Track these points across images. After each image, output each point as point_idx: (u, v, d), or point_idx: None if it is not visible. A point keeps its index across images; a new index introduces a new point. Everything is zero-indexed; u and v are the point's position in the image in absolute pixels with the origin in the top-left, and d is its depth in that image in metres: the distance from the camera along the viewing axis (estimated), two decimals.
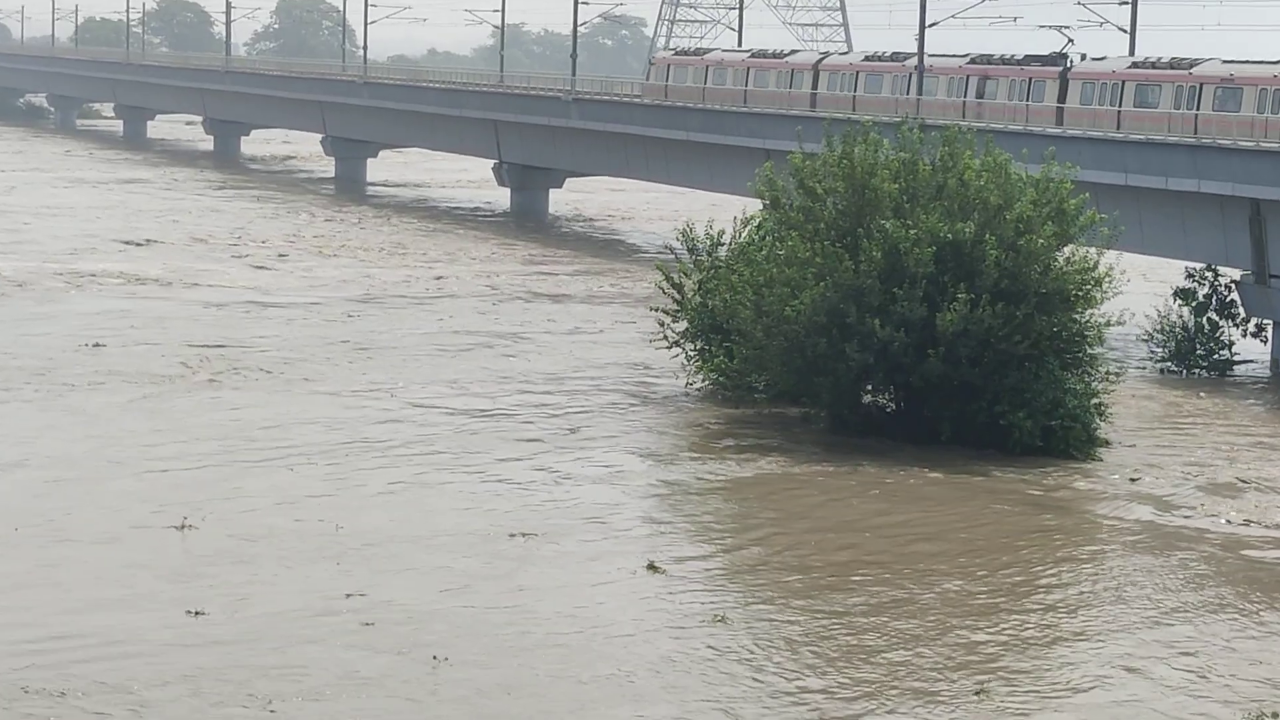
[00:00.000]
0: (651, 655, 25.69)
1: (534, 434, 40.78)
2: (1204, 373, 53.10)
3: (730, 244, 46.76)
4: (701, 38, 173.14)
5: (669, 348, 46.67)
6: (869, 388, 41.98)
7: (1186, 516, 35.48)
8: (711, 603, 28.39)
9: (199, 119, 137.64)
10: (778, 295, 40.77)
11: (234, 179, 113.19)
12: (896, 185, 41.45)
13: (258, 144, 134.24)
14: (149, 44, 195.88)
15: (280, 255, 73.85)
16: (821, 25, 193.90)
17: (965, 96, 69.63)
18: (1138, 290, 52.08)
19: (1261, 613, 29.03)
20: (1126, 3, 74.66)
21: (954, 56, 73.40)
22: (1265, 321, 55.04)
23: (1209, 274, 55.72)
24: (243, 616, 26.97)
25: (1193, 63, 61.11)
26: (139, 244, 75.93)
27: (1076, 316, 40.94)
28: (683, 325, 46.37)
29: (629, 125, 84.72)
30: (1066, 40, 72.95)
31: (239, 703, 23.25)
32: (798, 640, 26.74)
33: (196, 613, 26.86)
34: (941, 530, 33.81)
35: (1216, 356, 53.87)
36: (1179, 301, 55.23)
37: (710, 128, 78.63)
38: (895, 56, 76.95)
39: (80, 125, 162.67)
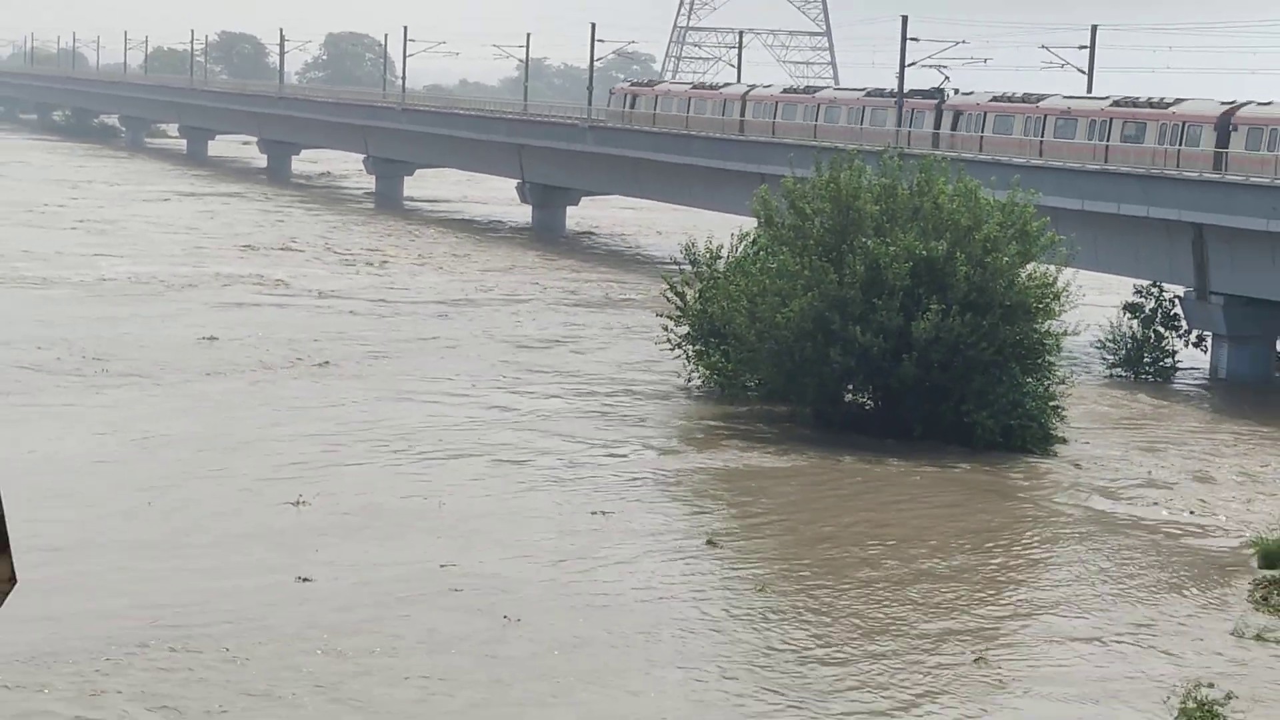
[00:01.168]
0: (694, 614, 26.06)
1: (565, 428, 40.79)
2: (1150, 378, 53.05)
3: (728, 257, 46.83)
4: (704, 73, 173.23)
5: (672, 349, 46.69)
6: (850, 388, 42.00)
7: (1132, 506, 35.48)
8: (733, 573, 28.50)
9: (254, 139, 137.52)
10: (770, 304, 40.84)
11: (288, 194, 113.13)
12: (878, 207, 41.51)
13: (306, 163, 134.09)
14: (210, 72, 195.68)
15: (346, 262, 73.93)
16: (812, 63, 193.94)
17: (861, 124, 74.10)
18: (1092, 304, 51.98)
19: (1198, 591, 29.04)
20: (1085, 47, 74.74)
21: (854, 90, 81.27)
22: (1205, 333, 55.06)
23: (1155, 290, 55.73)
24: (345, 582, 27.23)
25: (1040, 97, 65.54)
26: (238, 250, 76.15)
27: (1037, 326, 40.97)
28: (684, 329, 46.38)
29: (639, 150, 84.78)
30: (944, 78, 78.26)
31: (328, 656, 23.66)
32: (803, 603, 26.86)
33: (304, 579, 27.17)
34: (914, 515, 33.83)
35: (1162, 364, 53.85)
36: (1128, 314, 55.22)
37: (711, 154, 78.63)
38: (809, 89, 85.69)
39: (148, 143, 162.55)
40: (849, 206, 41.70)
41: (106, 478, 33.94)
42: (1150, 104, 59.95)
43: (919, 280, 40.00)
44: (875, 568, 29.63)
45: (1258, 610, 27.95)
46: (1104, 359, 53.59)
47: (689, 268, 47.50)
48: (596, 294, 67.29)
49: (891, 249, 40.04)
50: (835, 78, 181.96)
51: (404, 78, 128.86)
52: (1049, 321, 41.24)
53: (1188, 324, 55.18)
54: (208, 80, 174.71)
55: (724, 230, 52.99)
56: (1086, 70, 73.62)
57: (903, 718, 22.48)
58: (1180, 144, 57.02)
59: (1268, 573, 29.99)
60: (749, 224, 48.71)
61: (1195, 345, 55.41)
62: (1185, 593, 29.05)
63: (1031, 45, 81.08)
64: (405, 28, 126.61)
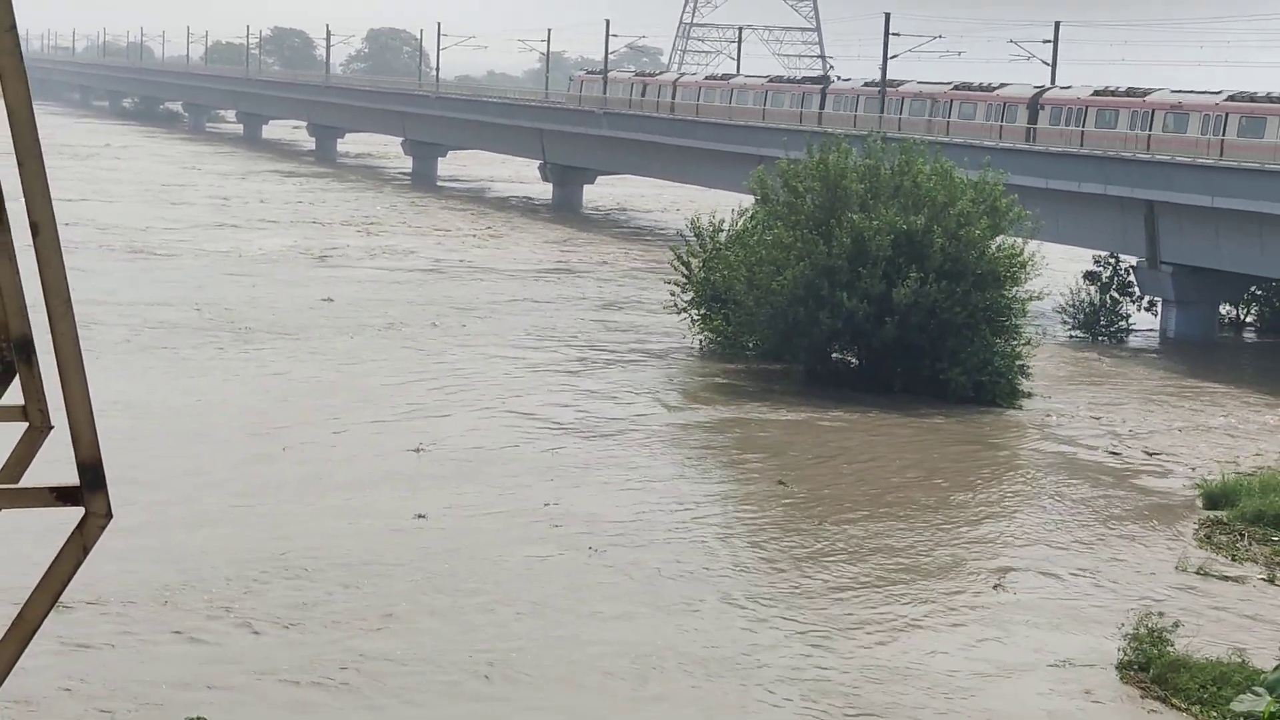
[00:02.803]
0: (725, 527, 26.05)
1: (588, 383, 40.99)
2: (1106, 339, 53.10)
3: (729, 231, 46.83)
4: (707, 65, 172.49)
5: (678, 313, 46.75)
6: (837, 348, 42.03)
7: (1090, 453, 35.54)
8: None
9: (303, 124, 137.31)
10: (766, 272, 40.88)
11: (338, 172, 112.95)
12: (862, 185, 41.48)
13: (350, 144, 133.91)
14: (264, 63, 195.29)
15: (419, 233, 73.98)
16: (804, 56, 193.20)
17: (765, 104, 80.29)
18: (1054, 273, 51.97)
19: (1149, 529, 29.10)
20: (1049, 41, 74.53)
21: (760, 77, 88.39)
22: (1156, 298, 55.11)
23: (1111, 260, 55.78)
24: (455, 520, 27.41)
25: (900, 83, 73.24)
26: (319, 223, 76.50)
27: (1005, 293, 40.97)
28: (690, 295, 46.42)
29: (649, 134, 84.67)
30: (830, 66, 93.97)
31: (435, 583, 23.93)
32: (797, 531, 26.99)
33: (420, 516, 27.34)
34: (897, 459, 33.89)
35: (1117, 326, 53.92)
36: (1087, 282, 55.30)
37: (715, 138, 78.54)
38: (724, 76, 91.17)
39: (209, 128, 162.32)
40: (837, 185, 41.69)
41: (246, 425, 34.21)
42: (981, 88, 66.67)
43: (899, 251, 40.00)
44: (856, 505, 29.71)
45: (1202, 547, 28.02)
46: (1065, 322, 53.63)
47: (694, 240, 47.53)
48: (608, 263, 67.23)
49: (875, 223, 40.04)
50: (825, 70, 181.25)
51: (438, 69, 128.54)
52: (1016, 288, 41.26)
53: (1140, 290, 55.22)
54: (261, 71, 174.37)
55: (726, 206, 52.98)
56: (1051, 63, 73.37)
57: (882, 634, 22.54)
58: (1001, 120, 64.06)
59: (1211, 513, 30.09)
60: (748, 201, 48.69)
61: (1147, 309, 55.48)
62: (1138, 531, 29.11)
63: (1002, 40, 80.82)
64: (439, 24, 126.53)
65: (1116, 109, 58.76)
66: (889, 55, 73.03)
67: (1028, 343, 41.70)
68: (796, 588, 24.65)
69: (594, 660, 21.07)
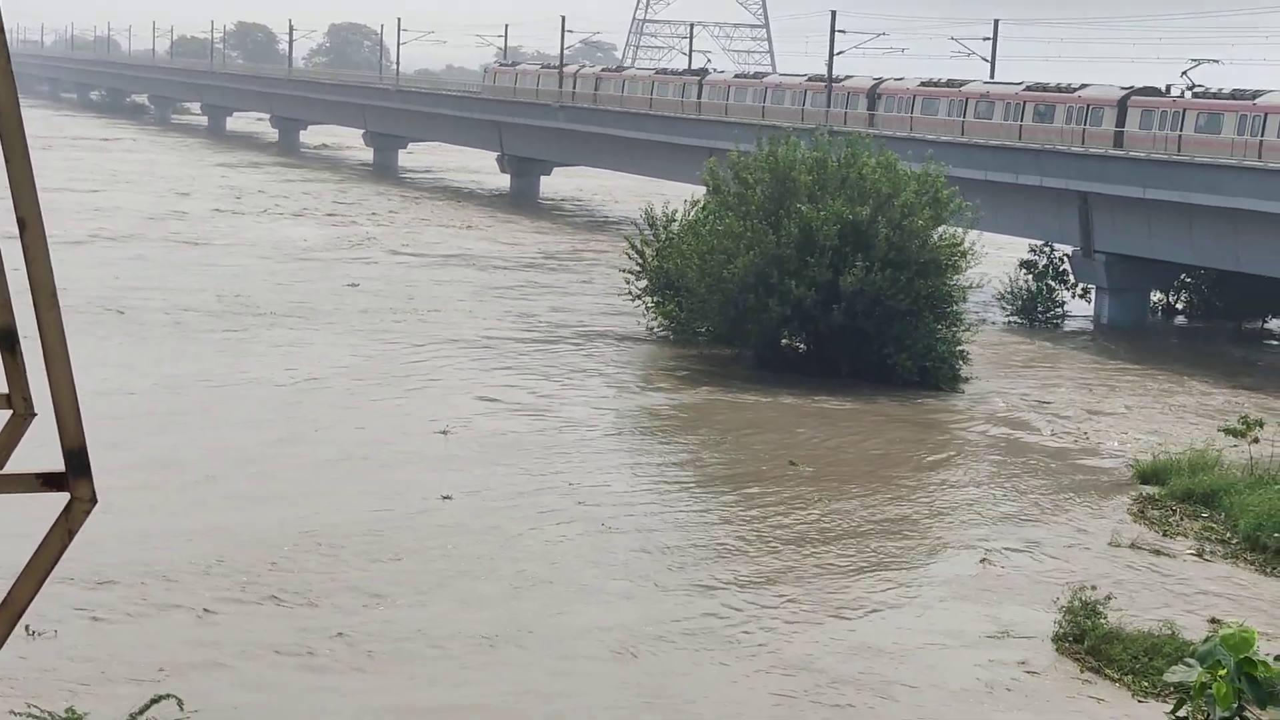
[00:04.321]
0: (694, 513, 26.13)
1: (544, 366, 40.96)
2: (1043, 325, 53.42)
3: (681, 220, 46.85)
4: (659, 60, 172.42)
5: (632, 300, 46.76)
6: (786, 334, 42.16)
7: (1029, 434, 35.79)
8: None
9: (266, 116, 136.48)
10: (717, 261, 40.94)
11: (301, 163, 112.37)
12: (810, 177, 41.59)
13: (313, 135, 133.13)
14: (228, 57, 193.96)
15: (385, 220, 73.79)
16: (753, 51, 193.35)
17: (651, 94, 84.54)
18: (993, 262, 52.25)
19: (1085, 506, 29.36)
20: (989, 39, 74.80)
21: (646, 70, 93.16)
22: (1089, 286, 55.47)
23: (1047, 249, 56.11)
24: (479, 500, 27.49)
25: (762, 75, 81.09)
26: (323, 216, 76.49)
27: (946, 281, 41.17)
28: (644, 283, 46.44)
29: (603, 127, 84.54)
30: (707, 59, 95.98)
31: (445, 556, 24.27)
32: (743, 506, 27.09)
33: (445, 497, 27.39)
34: (844, 440, 34.05)
35: (1053, 313, 54.25)
36: (1024, 270, 55.60)
37: (666, 130, 78.55)
38: (619, 68, 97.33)
39: (174, 119, 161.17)
40: (785, 177, 41.78)
41: (277, 406, 34.46)
42: (836, 80, 71.30)
43: (846, 240, 40.14)
44: (805, 481, 29.86)
45: (1135, 522, 28.30)
46: (1003, 309, 53.92)
47: (648, 229, 47.54)
48: (564, 252, 67.20)
49: (822, 213, 40.15)
50: (773, 65, 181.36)
51: (398, 62, 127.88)
52: (957, 276, 41.47)
53: (1075, 278, 55.56)
54: (225, 64, 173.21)
55: (678, 197, 53.01)
56: (990, 59, 73.64)
57: (818, 610, 22.66)
58: (845, 108, 69.23)
59: (1144, 489, 30.38)
60: (700, 192, 48.73)
61: (1081, 297, 55.83)
62: (1074, 508, 29.36)
63: (944, 37, 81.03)
64: (399, 19, 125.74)
65: (937, 99, 64.66)
66: (835, 51, 73.12)
67: (968, 329, 41.92)
68: (759, 569, 24.74)
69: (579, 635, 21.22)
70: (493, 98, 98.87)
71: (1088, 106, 57.59)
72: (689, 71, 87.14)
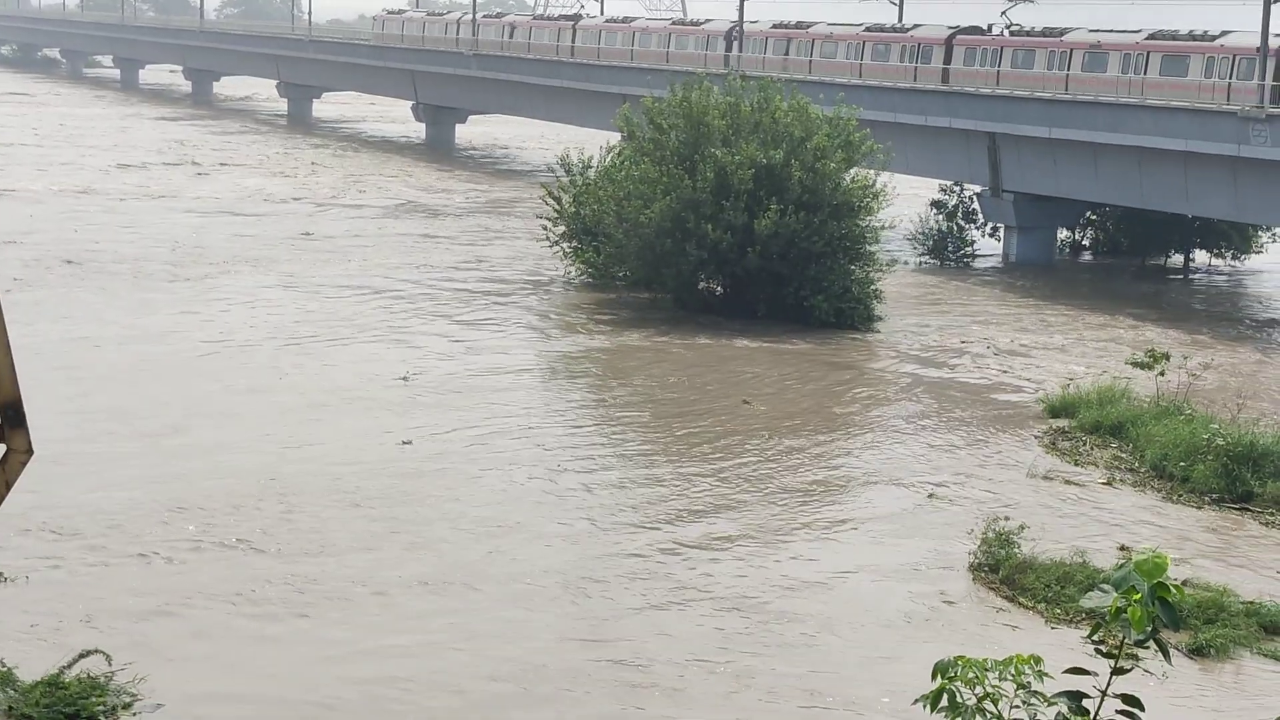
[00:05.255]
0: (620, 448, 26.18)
1: (466, 313, 40.85)
2: (954, 264, 53.84)
3: (598, 167, 46.76)
4: (572, 7, 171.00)
5: (551, 246, 46.68)
6: (703, 277, 42.23)
7: (942, 371, 36.14)
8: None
9: (179, 69, 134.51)
10: (634, 206, 40.93)
11: (215, 114, 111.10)
12: (724, 122, 41.60)
13: (226, 87, 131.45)
14: (139, 10, 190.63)
15: (310, 171, 73.00)
16: None
17: (529, 39, 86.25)
18: (905, 202, 52.52)
19: (998, 440, 29.69)
20: None
21: (524, 15, 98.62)
22: (998, 225, 55.94)
23: (957, 189, 56.52)
24: (437, 445, 27.50)
25: (629, 19, 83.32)
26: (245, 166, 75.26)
27: (859, 222, 41.34)
28: (561, 229, 46.36)
29: (516, 74, 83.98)
30: (581, 6, 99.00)
31: (407, 500, 24.36)
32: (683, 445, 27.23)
33: (405, 442, 27.44)
34: (762, 380, 34.22)
35: (963, 252, 54.66)
36: (934, 210, 55.96)
37: (579, 78, 78.14)
38: (498, 15, 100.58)
39: (86, 73, 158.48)
40: (700, 122, 41.78)
41: (238, 357, 34.43)
42: (696, 23, 75.98)
43: (760, 184, 40.23)
44: (730, 420, 30.03)
45: (1047, 454, 28.71)
46: (915, 249, 54.25)
47: (564, 176, 47.42)
48: (481, 199, 66.91)
49: (736, 158, 40.21)
50: (684, 11, 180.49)
51: (310, 13, 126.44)
52: (869, 218, 41.67)
53: (984, 218, 56.04)
54: (137, 17, 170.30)
55: (594, 143, 52.86)
56: (897, 2, 73.78)
57: (749, 547, 22.86)
58: (705, 50, 71.47)
59: (1054, 422, 30.79)
60: (615, 138, 48.62)
61: (990, 235, 56.30)
62: (988, 441, 29.69)
63: None
64: None
65: (787, 39, 67.31)
66: None
67: (881, 269, 42.17)
68: (683, 508, 24.89)
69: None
70: (407, 47, 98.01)
71: (919, 45, 60.08)
72: (564, 17, 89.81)
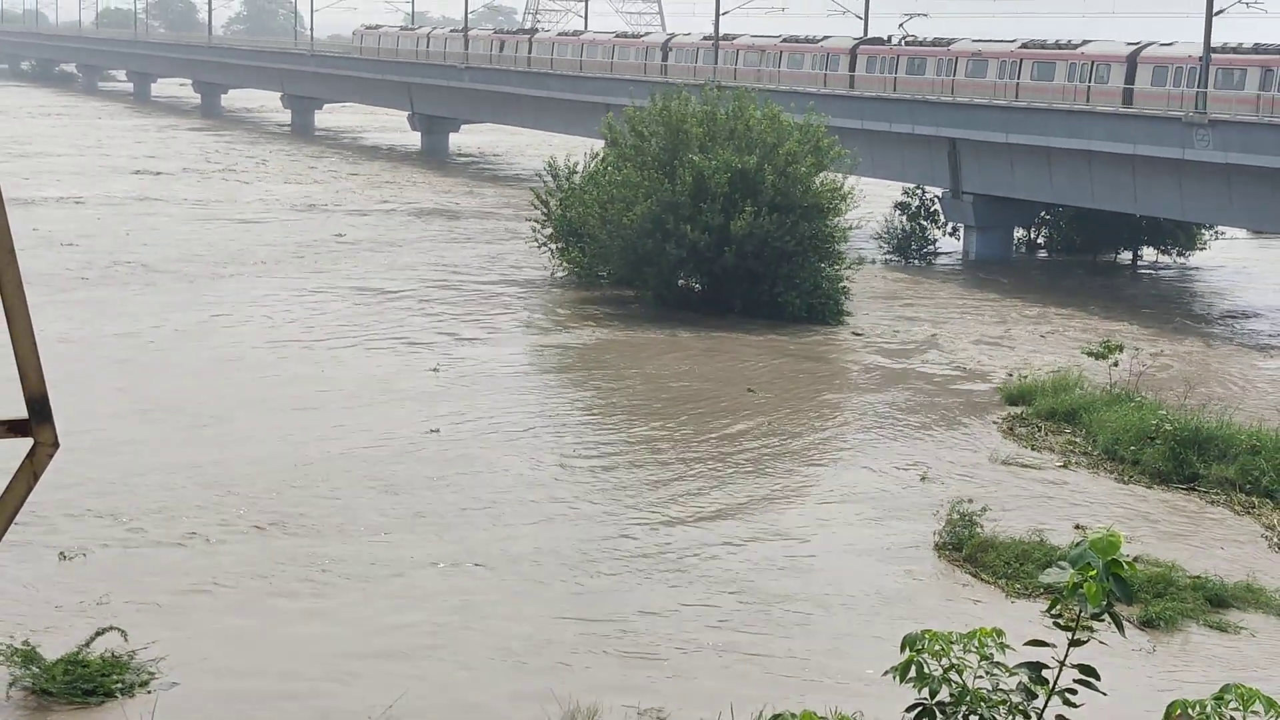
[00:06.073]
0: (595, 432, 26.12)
1: (461, 310, 40.76)
2: (917, 262, 53.87)
3: (583, 172, 46.72)
4: (557, 22, 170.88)
5: (539, 246, 46.62)
6: (683, 275, 42.24)
7: (908, 362, 36.16)
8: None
9: (189, 82, 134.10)
10: (617, 208, 40.89)
11: (224, 125, 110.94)
12: (701, 129, 41.59)
13: (233, 99, 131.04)
14: (151, 27, 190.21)
15: (316, 180, 72.78)
16: (644, 13, 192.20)
17: (491, 50, 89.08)
18: (871, 204, 52.55)
19: (960, 426, 29.72)
20: None
21: (485, 28, 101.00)
22: (959, 225, 55.97)
23: (919, 192, 56.51)
24: (461, 432, 27.64)
25: (578, 33, 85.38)
26: (295, 180, 74.78)
27: (829, 223, 41.36)
28: (549, 230, 46.31)
29: (506, 86, 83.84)
30: (537, 24, 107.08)
31: (427, 484, 24.43)
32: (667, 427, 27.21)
33: (433, 430, 27.56)
34: (739, 370, 34.20)
35: (926, 250, 54.70)
36: (899, 211, 55.97)
37: (567, 89, 77.99)
38: (460, 30, 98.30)
39: (101, 87, 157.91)
40: (678, 129, 41.75)
41: (282, 350, 34.48)
42: (636, 35, 78.29)
43: (735, 187, 40.21)
44: (711, 405, 30.02)
45: (1006, 439, 28.74)
46: (881, 248, 54.28)
47: (551, 181, 47.37)
48: (473, 203, 66.76)
49: (713, 163, 40.18)
50: (663, 25, 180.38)
51: (312, 29, 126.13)
52: (838, 218, 41.69)
53: (945, 218, 56.04)
54: (148, 34, 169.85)
55: (579, 150, 52.78)
56: (863, 16, 73.74)
57: (725, 514, 22.86)
58: (645, 59, 73.98)
59: (1011, 409, 30.82)
60: (599, 145, 48.58)
61: (951, 235, 56.32)
62: (950, 428, 29.71)
63: None
64: None
65: (716, 49, 69.80)
66: (721, 12, 72.96)
67: (849, 267, 42.21)
68: (673, 491, 24.86)
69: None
70: (404, 60, 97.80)
71: (827, 55, 63.17)
72: (521, 30, 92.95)
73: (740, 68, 67.01)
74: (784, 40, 66.88)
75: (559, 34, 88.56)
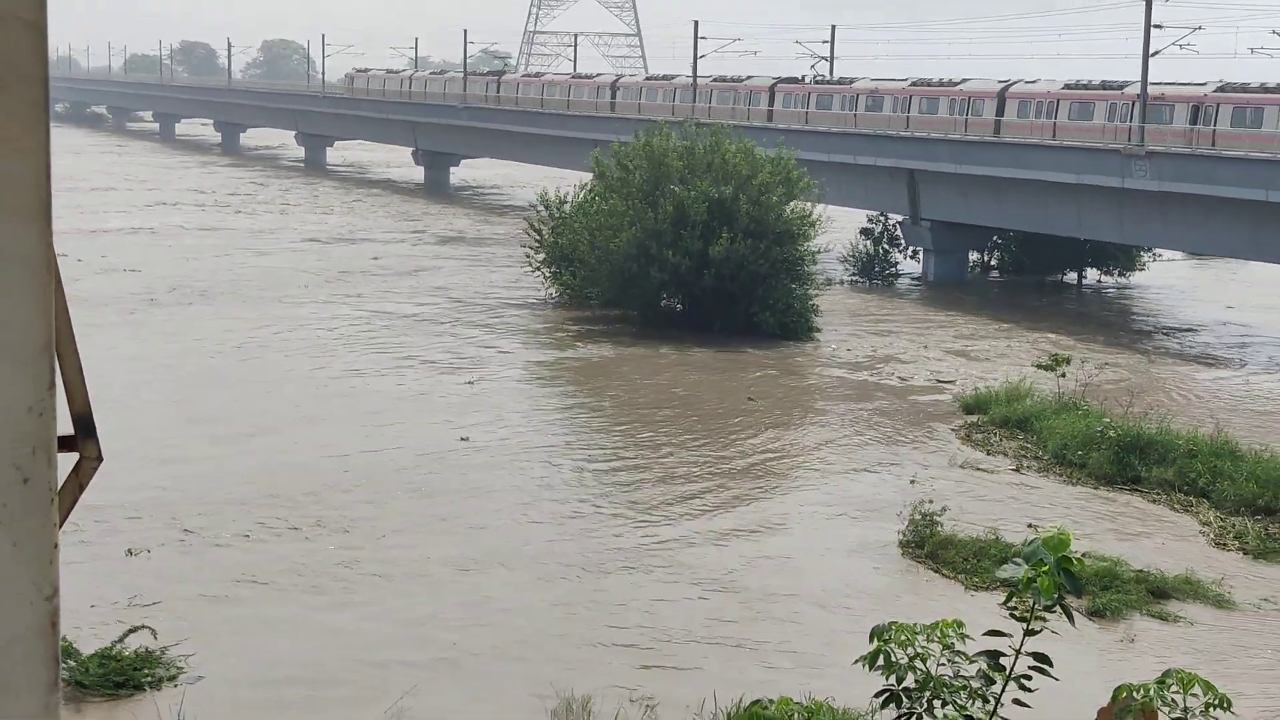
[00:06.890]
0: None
1: (462, 330, 40.69)
2: (880, 283, 53.94)
3: (573, 202, 46.69)
4: (548, 67, 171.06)
5: (533, 271, 46.58)
6: (666, 296, 42.23)
7: (872, 375, 36.16)
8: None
9: (210, 121, 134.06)
10: (605, 235, 40.91)
11: (245, 161, 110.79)
12: (681, 162, 41.63)
13: (251, 137, 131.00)
14: (175, 72, 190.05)
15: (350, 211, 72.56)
16: (627, 57, 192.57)
17: (464, 90, 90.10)
18: (837, 230, 52.61)
19: (922, 434, 29.71)
20: (827, 42, 75.10)
21: (457, 70, 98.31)
22: (918, 248, 56.06)
23: (882, 218, 56.61)
24: (491, 440, 27.58)
25: (540, 74, 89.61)
26: (324, 211, 74.43)
27: (799, 247, 41.41)
28: (542, 256, 46.28)
29: (502, 124, 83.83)
30: (505, 65, 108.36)
31: (454, 488, 24.40)
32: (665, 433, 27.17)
33: (464, 439, 27.45)
34: (716, 383, 34.18)
35: (888, 273, 54.78)
36: (863, 236, 56.07)
37: (557, 126, 78.07)
38: (440, 72, 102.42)
39: (129, 127, 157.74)
40: (660, 162, 41.79)
41: (321, 364, 34.47)
42: (587, 77, 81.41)
43: (713, 215, 40.25)
44: (691, 414, 29.99)
45: (964, 445, 28.74)
46: (847, 270, 54.36)
47: (544, 210, 47.36)
48: (472, 232, 66.69)
49: (692, 193, 40.23)
50: (645, 68, 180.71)
51: (324, 72, 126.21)
52: (807, 243, 41.74)
53: (905, 242, 56.14)
54: (173, 78, 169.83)
55: (569, 182, 52.78)
56: (829, 58, 73.98)
57: (712, 517, 22.84)
58: (613, 99, 76.31)
59: (968, 418, 30.84)
60: (587, 177, 48.58)
61: (911, 258, 56.40)
62: (913, 436, 29.69)
63: (789, 40, 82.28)
64: (324, 35, 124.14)
65: (656, 88, 73.73)
66: (699, 55, 73.13)
67: (818, 288, 42.25)
68: (698, 498, 24.75)
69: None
70: (408, 101, 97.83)
71: (750, 92, 66.30)
72: (491, 72, 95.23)
73: (676, 104, 69.41)
74: (714, 80, 69.85)
75: (524, 76, 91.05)
